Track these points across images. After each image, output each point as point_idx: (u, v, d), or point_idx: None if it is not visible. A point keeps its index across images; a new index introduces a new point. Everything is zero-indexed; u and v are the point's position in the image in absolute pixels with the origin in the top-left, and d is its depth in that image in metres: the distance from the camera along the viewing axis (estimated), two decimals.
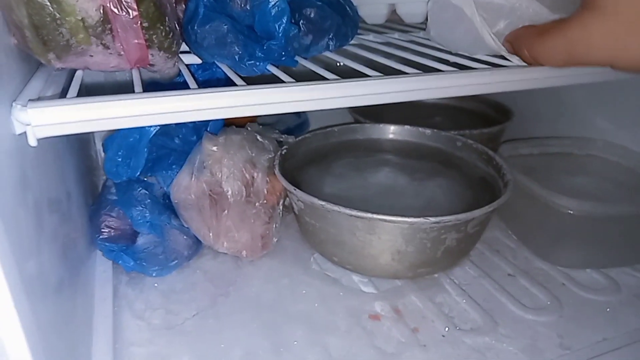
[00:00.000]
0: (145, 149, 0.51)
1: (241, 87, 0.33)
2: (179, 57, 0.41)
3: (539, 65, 0.40)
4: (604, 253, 0.59)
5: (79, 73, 0.37)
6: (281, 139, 0.63)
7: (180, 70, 0.42)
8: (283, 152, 0.61)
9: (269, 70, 0.40)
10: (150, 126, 0.49)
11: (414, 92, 0.38)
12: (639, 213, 0.55)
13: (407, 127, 0.71)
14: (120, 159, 0.51)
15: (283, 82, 0.35)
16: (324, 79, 0.36)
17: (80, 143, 0.59)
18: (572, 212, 0.55)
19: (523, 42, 0.40)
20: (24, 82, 0.33)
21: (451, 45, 0.48)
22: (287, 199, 0.61)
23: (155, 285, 0.55)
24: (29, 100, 0.28)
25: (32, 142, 0.29)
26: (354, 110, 0.84)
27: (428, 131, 0.70)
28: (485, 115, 0.87)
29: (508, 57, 0.43)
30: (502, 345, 0.48)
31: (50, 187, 0.37)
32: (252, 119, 0.66)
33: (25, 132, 0.29)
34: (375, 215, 0.47)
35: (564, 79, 0.42)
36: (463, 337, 0.49)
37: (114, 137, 0.50)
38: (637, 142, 0.67)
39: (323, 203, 0.49)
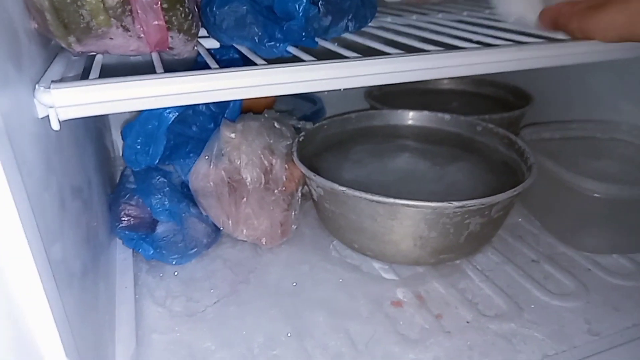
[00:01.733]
0: (164, 136, 0.50)
1: (262, 66, 0.32)
2: (198, 41, 0.41)
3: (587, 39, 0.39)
4: (630, 237, 0.57)
5: (98, 57, 0.36)
6: (299, 126, 0.62)
7: (197, 56, 0.41)
8: (300, 139, 0.60)
9: (289, 52, 0.40)
10: (169, 112, 0.49)
11: (437, 70, 0.37)
12: None
13: (425, 112, 0.70)
14: (139, 147, 0.51)
15: (304, 61, 0.34)
16: (345, 58, 0.35)
17: (97, 133, 0.59)
18: (598, 195, 0.53)
19: (572, 17, 0.39)
20: (45, 67, 0.33)
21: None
22: (305, 186, 0.60)
23: (175, 273, 0.55)
24: (52, 81, 0.27)
25: (55, 125, 0.28)
26: (371, 97, 0.83)
27: (447, 116, 0.69)
28: (503, 100, 0.86)
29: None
30: (529, 331, 0.47)
31: (72, 174, 0.37)
32: (269, 106, 0.66)
33: (47, 116, 0.29)
34: (397, 200, 0.46)
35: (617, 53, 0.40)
36: (488, 323, 0.48)
37: (132, 125, 0.50)
38: None
39: (343, 189, 0.49)
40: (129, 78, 0.28)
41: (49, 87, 0.27)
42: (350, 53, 0.36)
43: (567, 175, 0.55)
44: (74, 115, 0.27)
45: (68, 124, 0.38)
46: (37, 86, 0.27)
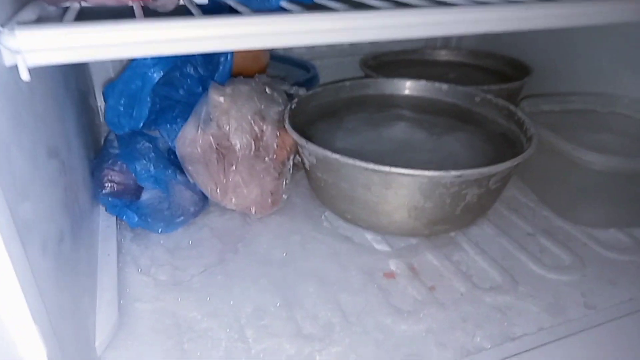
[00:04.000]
0: (149, 98, 0.48)
1: (248, 15, 0.29)
2: None
3: None
4: (628, 212, 0.56)
5: (75, 5, 0.33)
6: (291, 92, 0.60)
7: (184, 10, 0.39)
8: (293, 106, 0.58)
9: (281, 7, 0.37)
10: (154, 72, 0.46)
11: (431, 27, 0.34)
12: None
13: (422, 81, 0.68)
14: (122, 108, 0.48)
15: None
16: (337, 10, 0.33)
17: (80, 96, 0.56)
18: (597, 168, 0.52)
19: None
20: (13, 13, 0.30)
21: None
22: (297, 155, 0.58)
23: (161, 241, 0.53)
24: (17, 23, 0.25)
25: (24, 74, 0.26)
26: (366, 66, 0.81)
27: (445, 86, 0.67)
28: (501, 72, 0.84)
29: None
30: (524, 304, 0.46)
31: (48, 132, 0.34)
32: (261, 71, 0.63)
33: (16, 65, 0.26)
34: (392, 169, 0.45)
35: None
36: (483, 295, 0.47)
37: (115, 84, 0.47)
38: None
39: (337, 156, 0.47)
40: (107, 22, 0.25)
41: (14, 29, 0.24)
42: (341, 6, 0.34)
43: (566, 147, 0.53)
44: (44, 61, 0.25)
45: (43, 80, 0.35)
46: (0, 28, 0.24)
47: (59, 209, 0.33)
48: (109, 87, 0.48)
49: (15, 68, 0.26)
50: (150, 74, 0.46)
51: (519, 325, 0.43)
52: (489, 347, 0.41)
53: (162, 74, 0.46)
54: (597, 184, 0.54)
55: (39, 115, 0.33)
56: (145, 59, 0.46)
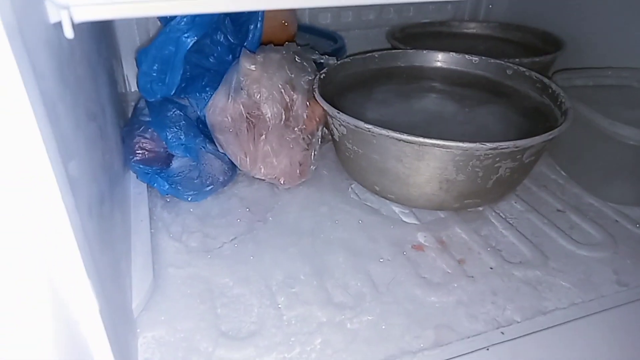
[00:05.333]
0: (182, 64, 0.47)
1: None
2: None
3: None
4: None
5: None
6: (321, 61, 0.59)
7: None
8: (322, 76, 0.57)
9: None
10: (187, 37, 0.46)
11: None
12: None
13: (452, 54, 0.67)
14: (155, 74, 0.48)
15: None
16: None
17: (109, 63, 0.56)
18: (634, 143, 0.50)
19: None
20: None
21: None
22: (324, 127, 0.57)
23: (191, 210, 0.54)
24: None
25: (69, 32, 0.26)
26: (393, 37, 0.79)
27: (475, 58, 0.65)
28: (532, 45, 0.81)
29: None
30: (554, 279, 0.45)
31: (86, 96, 0.35)
32: (290, 39, 0.62)
33: (60, 22, 0.26)
34: (426, 140, 0.44)
35: None
36: (512, 270, 0.46)
37: (148, 50, 0.47)
38: None
39: (370, 126, 0.46)
40: None
41: None
42: None
43: (602, 121, 0.52)
44: (92, 17, 0.25)
45: (80, 42, 0.35)
46: None
47: (99, 172, 0.34)
48: (142, 53, 0.48)
49: (59, 25, 0.26)
50: (183, 39, 0.46)
51: (550, 300, 0.43)
52: (519, 320, 0.41)
53: (195, 39, 0.46)
54: (631, 160, 0.53)
55: (79, 77, 0.33)
56: (178, 23, 0.45)
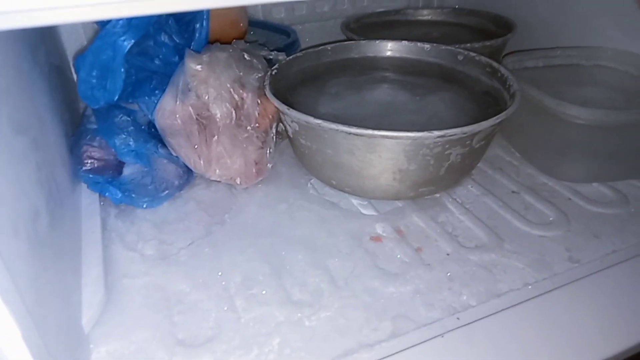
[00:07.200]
0: (122, 69, 0.46)
1: None
2: None
3: None
4: (612, 165, 0.56)
5: None
6: (270, 57, 0.58)
7: None
8: (273, 72, 0.56)
9: None
10: (124, 40, 0.44)
11: None
12: None
13: (404, 42, 0.67)
14: (94, 81, 0.46)
15: None
16: None
17: (52, 70, 0.54)
18: (582, 121, 0.51)
19: None
20: None
21: None
22: (280, 123, 0.57)
23: (147, 217, 0.53)
24: None
25: None
26: (348, 29, 0.79)
27: (427, 46, 0.65)
28: (485, 30, 0.82)
29: None
30: (509, 261, 0.46)
31: (13, 107, 0.33)
32: (240, 37, 0.61)
33: None
34: (375, 132, 0.44)
35: None
36: (468, 254, 0.47)
37: (85, 56, 0.45)
38: None
39: (319, 122, 0.46)
40: None
41: None
42: None
43: (550, 101, 0.53)
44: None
45: (3, 53, 0.34)
46: None
47: (32, 186, 0.33)
48: (79, 59, 0.46)
49: None
50: (120, 42, 0.44)
51: (505, 282, 0.44)
52: (475, 304, 0.41)
53: (132, 42, 0.44)
54: (580, 138, 0.54)
55: (1, 90, 0.31)
56: (114, 27, 0.44)
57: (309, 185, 0.58)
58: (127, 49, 0.44)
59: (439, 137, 0.44)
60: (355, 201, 0.55)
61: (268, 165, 0.57)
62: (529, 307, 0.41)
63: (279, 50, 0.61)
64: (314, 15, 0.88)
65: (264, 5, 0.83)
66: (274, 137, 0.57)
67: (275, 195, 0.56)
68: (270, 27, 0.78)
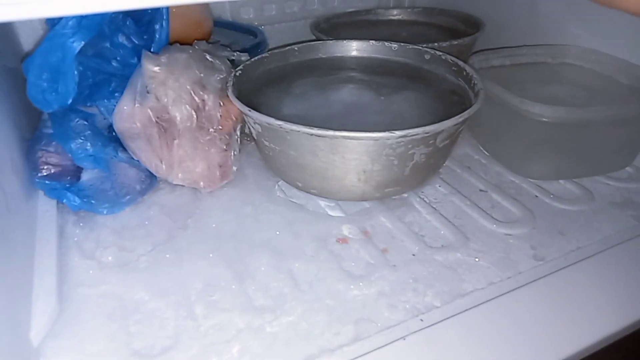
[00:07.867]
0: (75, 71, 0.44)
1: None
2: None
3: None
4: (577, 162, 0.57)
5: None
6: (233, 57, 0.57)
7: None
8: (237, 73, 0.55)
9: None
10: (73, 41, 0.43)
11: None
12: (614, 118, 0.52)
13: (372, 42, 0.66)
14: (45, 84, 0.45)
15: None
16: None
17: (5, 70, 0.52)
18: (546, 119, 0.52)
19: None
20: None
21: None
22: (246, 124, 0.56)
23: (107, 223, 0.51)
24: None
25: None
26: (318, 29, 0.78)
27: (395, 45, 0.65)
28: (454, 29, 0.82)
29: None
30: (474, 260, 0.46)
31: None
32: (204, 38, 0.60)
33: None
34: (337, 133, 0.43)
35: None
36: (434, 254, 0.47)
37: (33, 58, 0.44)
38: (613, 48, 0.63)
39: (280, 123, 0.45)
40: None
41: None
42: None
43: (514, 100, 0.53)
44: None
45: None
46: None
47: None
48: (28, 61, 0.44)
49: None
50: (69, 43, 0.43)
51: (469, 282, 0.43)
52: (439, 305, 0.41)
53: (83, 43, 0.43)
54: (545, 136, 0.55)
55: None
56: (63, 27, 0.42)
57: (276, 187, 0.57)
58: (77, 50, 0.43)
59: (401, 137, 0.43)
60: (322, 203, 0.54)
61: (233, 167, 0.56)
62: (493, 306, 0.41)
63: (243, 51, 0.59)
64: (284, 16, 0.87)
65: (232, 6, 0.82)
66: (239, 139, 0.56)
67: (241, 198, 0.55)
68: (237, 27, 0.77)
